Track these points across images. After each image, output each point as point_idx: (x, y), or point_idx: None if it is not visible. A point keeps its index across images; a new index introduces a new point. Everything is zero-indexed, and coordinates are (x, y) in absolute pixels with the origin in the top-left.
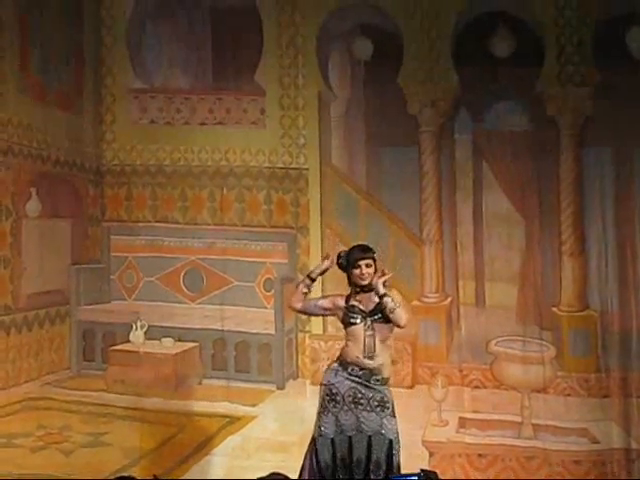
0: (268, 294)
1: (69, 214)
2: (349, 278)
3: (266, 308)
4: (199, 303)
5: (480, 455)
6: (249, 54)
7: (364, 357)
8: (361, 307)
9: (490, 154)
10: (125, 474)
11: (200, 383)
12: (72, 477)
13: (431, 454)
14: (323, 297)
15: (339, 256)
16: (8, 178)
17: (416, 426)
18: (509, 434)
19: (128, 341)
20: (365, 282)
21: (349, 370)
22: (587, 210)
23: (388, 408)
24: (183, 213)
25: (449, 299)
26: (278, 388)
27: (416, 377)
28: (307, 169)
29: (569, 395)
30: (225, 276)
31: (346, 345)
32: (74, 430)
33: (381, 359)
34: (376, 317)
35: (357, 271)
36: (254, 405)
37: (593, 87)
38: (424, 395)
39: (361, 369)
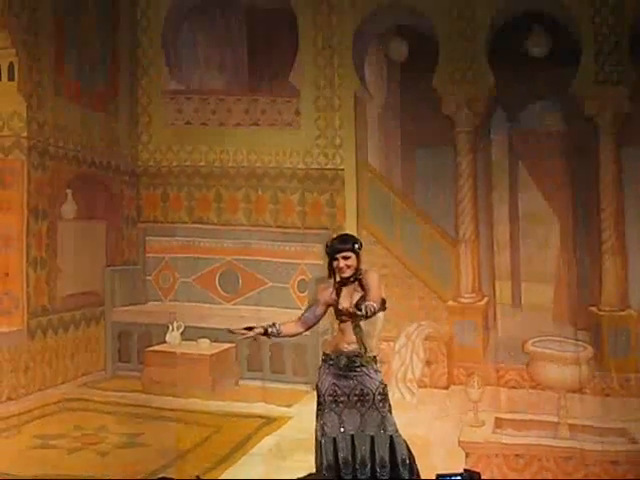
0: (302, 295)
1: (104, 216)
2: (331, 267)
3: (300, 309)
4: (234, 304)
5: (517, 455)
6: (284, 55)
7: (346, 345)
8: (350, 310)
9: (526, 154)
10: (162, 475)
11: (237, 384)
12: (108, 478)
13: (467, 454)
14: (314, 304)
15: (326, 245)
16: (44, 180)
17: (452, 426)
18: (546, 434)
19: (164, 342)
20: (345, 275)
21: (328, 361)
22: (627, 209)
23: (368, 401)
24: (218, 214)
25: (485, 299)
26: (313, 389)
27: (452, 377)
28: (343, 169)
29: (608, 395)
30: (260, 277)
31: (332, 336)
32: (110, 431)
33: (360, 346)
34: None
35: (335, 263)
36: (289, 406)
37: (630, 86)
38: (460, 396)
39: (337, 355)
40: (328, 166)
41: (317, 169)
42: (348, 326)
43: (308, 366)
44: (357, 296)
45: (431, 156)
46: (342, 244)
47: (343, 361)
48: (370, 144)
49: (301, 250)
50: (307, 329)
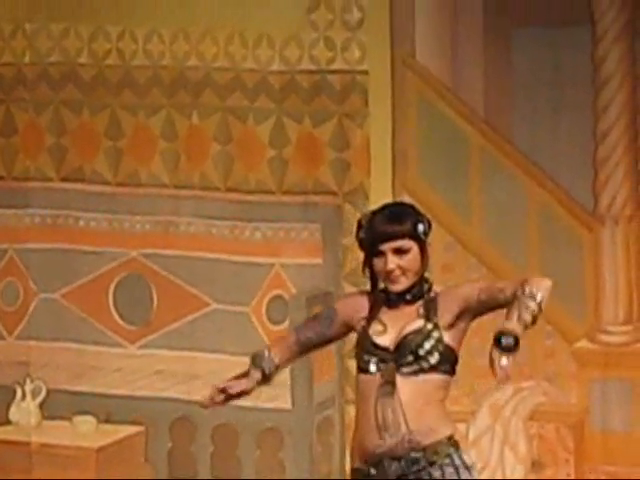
0: (277, 329)
1: None
2: (371, 269)
3: None
4: (143, 345)
5: None
6: None
7: (377, 436)
8: (380, 340)
9: None
10: None
11: None
12: None
13: None
14: (327, 314)
15: (359, 224)
16: None
17: None
18: None
19: (7, 422)
20: (398, 286)
21: (368, 472)
22: None
23: None
24: (114, 162)
25: None
26: None
27: None
28: (366, 73)
29: None
30: (194, 291)
31: (355, 425)
32: None
33: (410, 426)
34: (404, 362)
35: (379, 262)
36: None
37: None
38: None
39: (375, 463)
40: (335, 66)
41: (311, 72)
42: (369, 390)
43: (287, 474)
44: (411, 329)
45: (545, 44)
46: (393, 223)
47: (393, 469)
48: (421, 20)
49: (276, 238)
50: (303, 351)
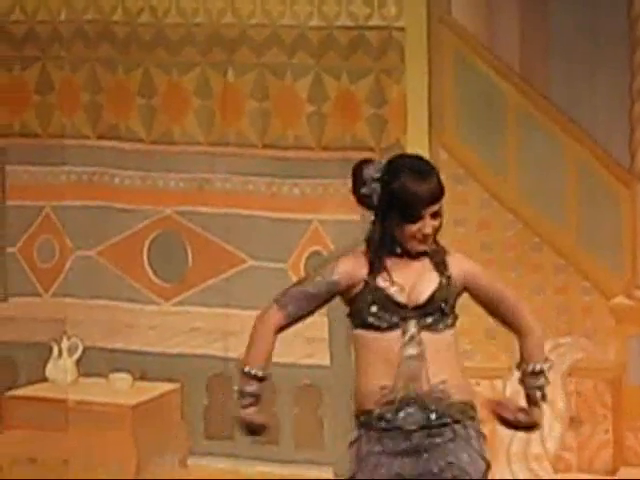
0: None
1: None
2: (382, 225)
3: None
4: (179, 303)
5: None
6: None
7: (402, 387)
8: (398, 297)
9: None
10: None
11: (183, 464)
12: None
13: None
14: (318, 282)
15: (359, 170)
16: None
17: None
18: None
19: (44, 379)
20: (423, 247)
21: (377, 424)
22: None
23: None
24: (148, 120)
25: None
26: (337, 475)
27: (623, 451)
28: (402, 29)
29: None
30: (230, 248)
31: (360, 374)
32: None
33: (441, 376)
34: (430, 319)
35: (413, 226)
36: None
37: None
38: None
39: (398, 410)
40: (372, 22)
41: (349, 28)
42: (390, 350)
43: (327, 430)
44: (430, 284)
45: (580, 3)
46: (431, 185)
47: (411, 421)
48: None
49: (314, 194)
50: (292, 323)
